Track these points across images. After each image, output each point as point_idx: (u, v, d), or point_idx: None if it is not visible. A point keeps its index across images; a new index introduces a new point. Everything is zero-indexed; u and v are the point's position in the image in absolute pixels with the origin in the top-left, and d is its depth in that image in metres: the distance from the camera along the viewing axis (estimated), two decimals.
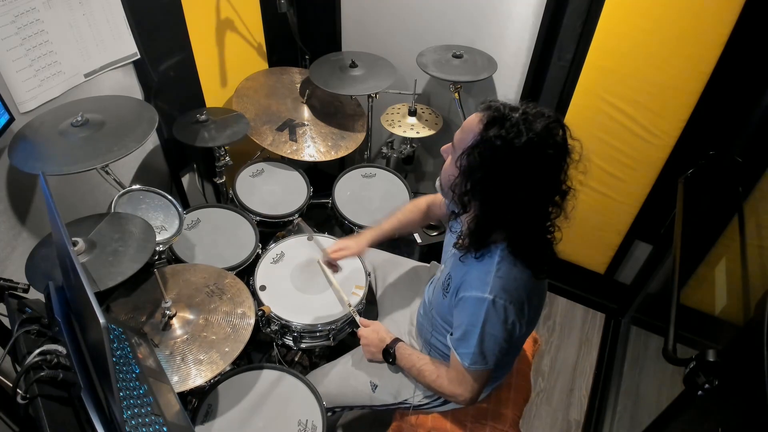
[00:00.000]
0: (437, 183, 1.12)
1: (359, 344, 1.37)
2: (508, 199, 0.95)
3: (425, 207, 1.48)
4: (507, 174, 0.93)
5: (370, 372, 1.38)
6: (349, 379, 1.40)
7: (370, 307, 1.58)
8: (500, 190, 0.95)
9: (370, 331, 1.33)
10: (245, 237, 1.71)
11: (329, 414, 1.44)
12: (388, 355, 1.27)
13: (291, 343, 1.48)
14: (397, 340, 1.29)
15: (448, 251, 1.23)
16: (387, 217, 1.51)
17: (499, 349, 1.06)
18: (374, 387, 1.36)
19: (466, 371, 1.09)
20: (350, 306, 1.44)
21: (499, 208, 0.97)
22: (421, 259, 1.90)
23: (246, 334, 1.25)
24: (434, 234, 1.93)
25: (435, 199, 1.46)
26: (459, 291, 1.08)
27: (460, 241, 1.09)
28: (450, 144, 1.05)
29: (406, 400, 1.34)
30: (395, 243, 1.95)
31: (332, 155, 1.94)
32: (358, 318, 1.41)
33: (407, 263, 1.67)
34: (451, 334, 1.13)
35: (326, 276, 1.54)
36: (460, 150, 0.98)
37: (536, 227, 1.02)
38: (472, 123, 0.97)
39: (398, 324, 1.49)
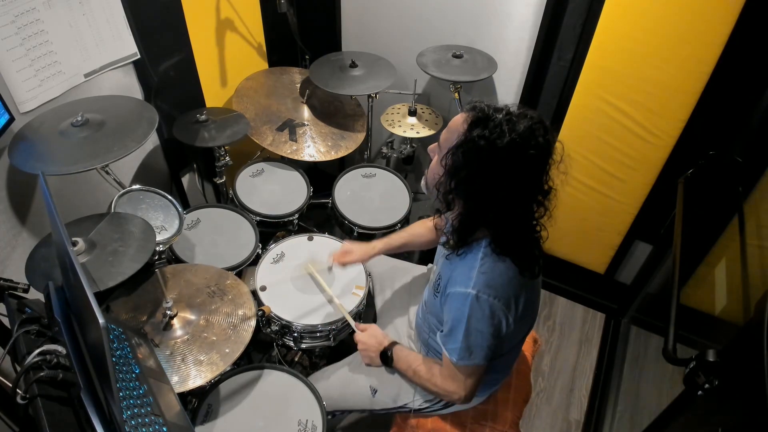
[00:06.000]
0: (422, 182, 1.14)
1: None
2: (490, 198, 0.97)
3: (433, 224, 1.48)
4: (489, 173, 0.95)
5: (370, 376, 1.37)
6: (349, 383, 1.39)
7: (368, 310, 1.58)
8: (483, 188, 0.97)
9: (368, 336, 1.32)
10: (245, 237, 1.71)
11: (329, 417, 1.44)
12: (386, 358, 1.27)
13: (291, 343, 1.48)
14: (394, 343, 1.28)
15: (439, 252, 1.24)
16: (396, 232, 1.52)
17: (486, 345, 1.06)
18: (374, 392, 1.36)
19: (456, 367, 1.10)
20: (346, 311, 1.43)
21: (482, 206, 0.99)
22: (420, 261, 1.90)
23: (246, 336, 1.25)
24: None
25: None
26: (446, 288, 1.10)
27: (447, 239, 1.10)
28: (437, 143, 1.07)
29: (406, 404, 1.34)
30: None
31: (332, 155, 1.94)
32: (353, 323, 1.39)
33: (405, 266, 1.67)
34: (442, 331, 1.13)
35: (319, 284, 1.52)
36: (446, 149, 1.00)
37: (519, 225, 1.03)
38: (457, 123, 1.00)
39: (397, 327, 1.48)
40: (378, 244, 1.48)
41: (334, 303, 1.46)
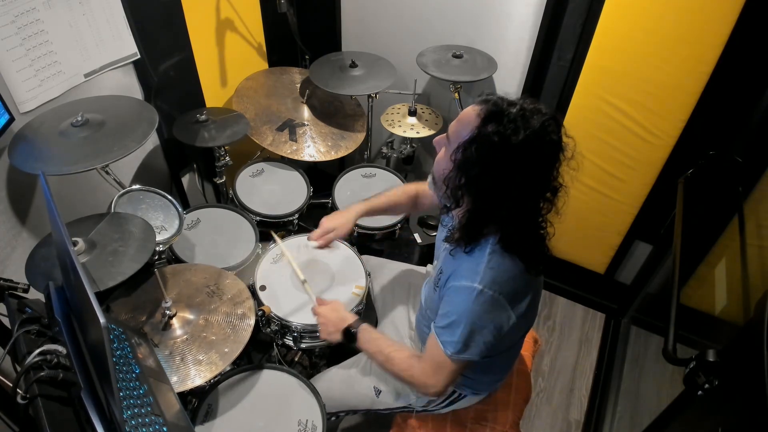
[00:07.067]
0: (429, 178, 1.11)
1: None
2: (501, 195, 0.95)
3: (414, 193, 1.44)
4: (502, 170, 0.92)
5: (374, 378, 1.37)
6: (353, 384, 1.39)
7: (369, 312, 1.58)
8: (495, 185, 0.95)
9: (329, 309, 1.27)
10: (245, 237, 1.71)
11: (332, 419, 1.44)
12: (349, 335, 1.20)
13: (291, 343, 1.48)
14: (360, 321, 1.22)
15: (440, 246, 1.21)
16: (375, 195, 1.46)
17: (485, 341, 1.02)
18: (378, 392, 1.35)
19: (448, 360, 1.04)
20: (305, 282, 1.41)
21: (493, 203, 0.97)
22: (420, 259, 1.90)
23: (245, 335, 1.25)
24: (434, 234, 1.93)
25: (425, 189, 1.42)
26: (449, 281, 1.06)
27: (452, 235, 1.07)
28: (444, 135, 1.04)
29: (409, 404, 1.33)
30: (395, 243, 1.95)
31: (332, 155, 1.94)
32: (313, 296, 1.34)
33: (403, 268, 1.65)
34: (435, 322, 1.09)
35: (291, 264, 1.53)
36: (456, 143, 0.97)
37: (528, 222, 1.02)
38: (469, 116, 0.96)
39: (398, 328, 1.48)
40: (356, 207, 1.42)
41: (297, 275, 1.45)
